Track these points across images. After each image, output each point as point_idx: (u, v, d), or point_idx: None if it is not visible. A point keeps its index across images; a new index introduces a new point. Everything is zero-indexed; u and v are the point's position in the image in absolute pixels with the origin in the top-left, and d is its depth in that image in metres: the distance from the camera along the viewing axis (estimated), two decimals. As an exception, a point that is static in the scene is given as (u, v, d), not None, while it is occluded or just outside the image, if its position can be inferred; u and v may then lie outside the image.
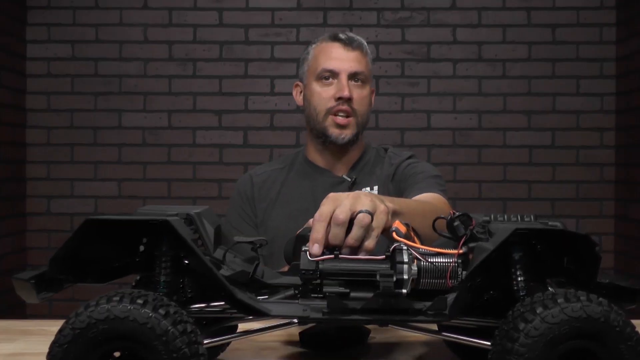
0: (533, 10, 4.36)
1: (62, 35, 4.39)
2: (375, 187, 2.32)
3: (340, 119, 2.29)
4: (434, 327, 1.24)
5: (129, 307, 1.01)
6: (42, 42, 4.39)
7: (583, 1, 4.35)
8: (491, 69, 4.37)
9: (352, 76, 2.30)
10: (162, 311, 1.02)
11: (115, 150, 4.38)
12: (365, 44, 2.38)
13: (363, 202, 1.33)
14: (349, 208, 1.30)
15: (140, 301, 1.02)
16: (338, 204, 1.31)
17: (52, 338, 1.05)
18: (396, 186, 2.31)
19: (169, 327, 1.01)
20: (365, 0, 4.38)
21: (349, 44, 2.32)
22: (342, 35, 2.34)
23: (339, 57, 2.31)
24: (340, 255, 1.22)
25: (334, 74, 2.30)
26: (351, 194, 1.39)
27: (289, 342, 1.59)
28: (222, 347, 1.47)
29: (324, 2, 4.39)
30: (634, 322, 1.08)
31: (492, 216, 1.25)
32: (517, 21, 4.37)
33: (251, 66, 4.40)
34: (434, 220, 1.28)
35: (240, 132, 4.38)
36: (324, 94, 2.31)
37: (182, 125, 4.38)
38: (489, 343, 1.11)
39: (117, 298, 1.02)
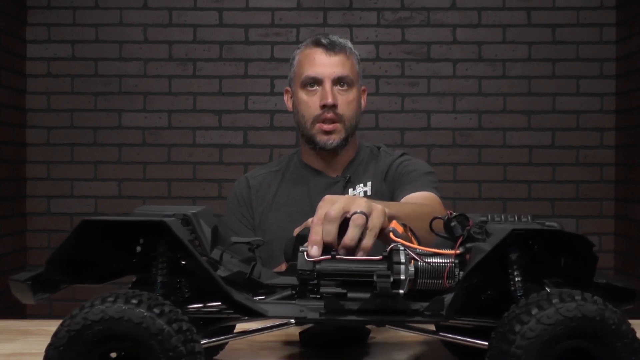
0: (533, 10, 4.36)
1: (62, 35, 4.39)
2: (369, 184, 2.32)
3: (326, 126, 2.28)
4: (432, 327, 1.24)
5: (123, 307, 1.01)
6: (42, 42, 4.40)
7: (583, 1, 4.35)
8: (491, 69, 4.37)
9: (337, 81, 2.29)
10: (156, 310, 1.01)
11: (115, 150, 4.38)
12: (350, 45, 2.35)
13: (358, 203, 1.33)
14: (343, 207, 1.30)
15: (134, 301, 1.02)
16: (333, 204, 1.31)
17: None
18: (389, 185, 2.31)
19: (164, 326, 1.01)
20: (365, 0, 4.38)
21: (330, 48, 2.30)
22: (323, 40, 2.32)
23: (322, 63, 2.29)
24: (337, 256, 1.22)
25: (317, 81, 2.29)
26: (347, 196, 1.39)
27: (289, 342, 1.59)
28: (220, 347, 1.47)
29: (324, 2, 4.39)
30: (632, 321, 1.08)
31: (489, 216, 1.25)
32: (517, 21, 4.36)
33: (251, 66, 4.40)
34: (431, 221, 1.28)
35: (240, 132, 4.38)
36: (309, 102, 2.30)
37: (182, 125, 4.38)
38: (486, 343, 1.11)
39: (112, 299, 1.02)
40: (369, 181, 2.33)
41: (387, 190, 2.30)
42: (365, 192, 2.31)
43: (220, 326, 1.28)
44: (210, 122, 4.38)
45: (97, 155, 4.38)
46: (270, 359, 1.49)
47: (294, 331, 1.44)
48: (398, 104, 4.38)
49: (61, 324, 1.03)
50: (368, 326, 1.52)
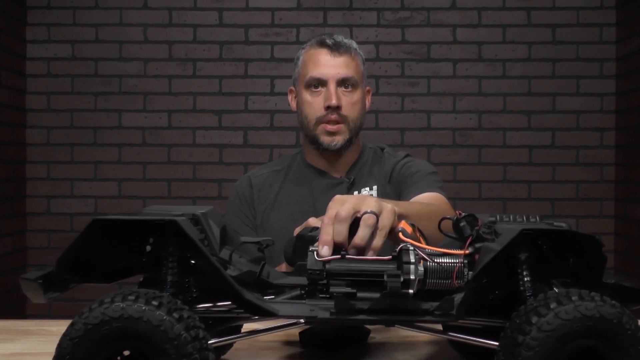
0: (533, 10, 4.36)
1: (62, 35, 4.39)
2: (375, 187, 2.32)
3: (330, 126, 2.28)
4: (439, 327, 1.24)
5: (143, 308, 1.01)
6: (42, 42, 4.39)
7: (583, 1, 4.35)
8: (491, 69, 4.37)
9: (341, 82, 2.28)
10: (176, 315, 1.01)
11: (115, 150, 4.38)
12: (355, 45, 2.34)
13: (368, 203, 1.33)
14: (353, 207, 1.31)
15: (155, 302, 1.02)
16: (343, 204, 1.31)
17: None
18: (394, 187, 2.31)
19: (182, 332, 1.01)
20: (365, 0, 4.38)
21: (335, 49, 2.29)
22: (328, 41, 2.31)
23: (326, 64, 2.28)
24: (347, 256, 1.22)
25: (322, 82, 2.28)
26: (357, 195, 1.39)
27: (289, 342, 1.59)
28: (227, 348, 1.47)
29: (324, 2, 4.39)
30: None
31: (498, 217, 1.25)
32: (517, 21, 4.37)
33: (251, 66, 4.40)
34: (440, 221, 1.28)
35: (240, 132, 4.38)
36: (314, 103, 2.29)
37: (182, 125, 4.38)
38: (495, 343, 1.11)
39: (133, 297, 1.02)
40: (374, 185, 2.33)
41: (392, 193, 2.30)
42: (371, 195, 2.30)
43: (229, 326, 1.28)
44: (210, 122, 4.38)
45: (97, 155, 4.38)
46: (270, 359, 1.49)
47: (294, 331, 1.44)
48: (398, 104, 4.38)
49: (79, 316, 1.03)
50: (370, 326, 1.52)
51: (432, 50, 4.39)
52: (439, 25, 4.39)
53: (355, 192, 2.31)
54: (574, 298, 1.04)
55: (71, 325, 1.03)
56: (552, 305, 1.03)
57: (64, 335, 1.03)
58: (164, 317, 1.00)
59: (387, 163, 2.38)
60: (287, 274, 1.37)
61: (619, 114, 4.31)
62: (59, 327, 1.04)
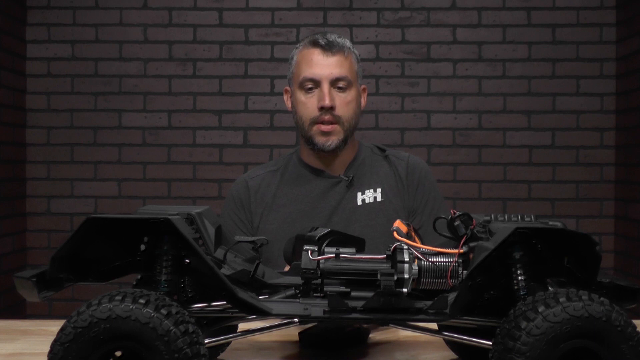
0: (533, 10, 4.36)
1: (62, 35, 4.39)
2: (379, 190, 2.32)
3: (324, 127, 2.27)
4: (435, 326, 1.24)
5: (131, 307, 1.01)
6: (42, 42, 4.39)
7: (583, 1, 4.35)
8: (491, 69, 4.37)
9: (335, 82, 2.28)
10: (164, 311, 1.01)
11: (115, 150, 4.38)
12: (348, 44, 2.34)
13: None
14: None
15: (142, 301, 1.02)
16: None
17: (52, 338, 1.06)
18: (410, 193, 2.36)
19: (171, 327, 1.01)
20: (365, 0, 4.38)
21: (328, 49, 2.29)
22: (321, 41, 2.30)
23: (319, 64, 2.28)
24: (341, 255, 1.22)
25: (315, 82, 2.28)
26: None
27: (289, 342, 1.59)
28: (222, 347, 1.47)
29: (324, 2, 4.39)
30: (635, 321, 1.08)
31: (492, 216, 1.25)
32: (517, 21, 4.36)
33: (251, 66, 4.40)
34: (435, 220, 1.28)
35: (240, 132, 4.38)
36: (307, 104, 2.29)
37: (182, 125, 4.38)
38: (489, 342, 1.11)
39: (119, 297, 1.02)
40: (378, 187, 2.33)
41: (406, 196, 2.33)
42: (375, 197, 2.31)
43: (224, 326, 1.28)
44: (210, 122, 4.38)
45: (97, 155, 4.38)
46: (270, 359, 1.49)
47: (294, 331, 1.44)
48: (398, 104, 4.38)
49: (68, 320, 1.03)
50: (369, 325, 1.52)
51: (432, 50, 4.39)
52: (439, 25, 4.38)
53: (358, 193, 2.31)
54: (561, 299, 1.03)
55: (61, 330, 1.03)
56: (540, 309, 1.03)
57: (55, 341, 1.03)
58: (152, 314, 1.01)
59: (398, 168, 2.39)
60: (283, 273, 1.37)
61: (619, 114, 4.30)
62: (58, 327, 1.05)
